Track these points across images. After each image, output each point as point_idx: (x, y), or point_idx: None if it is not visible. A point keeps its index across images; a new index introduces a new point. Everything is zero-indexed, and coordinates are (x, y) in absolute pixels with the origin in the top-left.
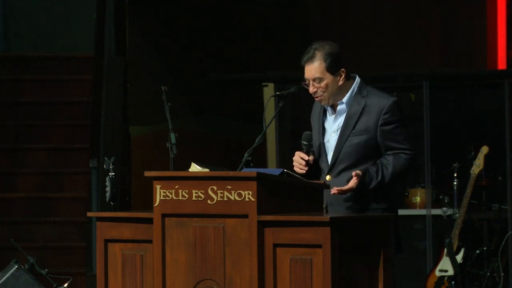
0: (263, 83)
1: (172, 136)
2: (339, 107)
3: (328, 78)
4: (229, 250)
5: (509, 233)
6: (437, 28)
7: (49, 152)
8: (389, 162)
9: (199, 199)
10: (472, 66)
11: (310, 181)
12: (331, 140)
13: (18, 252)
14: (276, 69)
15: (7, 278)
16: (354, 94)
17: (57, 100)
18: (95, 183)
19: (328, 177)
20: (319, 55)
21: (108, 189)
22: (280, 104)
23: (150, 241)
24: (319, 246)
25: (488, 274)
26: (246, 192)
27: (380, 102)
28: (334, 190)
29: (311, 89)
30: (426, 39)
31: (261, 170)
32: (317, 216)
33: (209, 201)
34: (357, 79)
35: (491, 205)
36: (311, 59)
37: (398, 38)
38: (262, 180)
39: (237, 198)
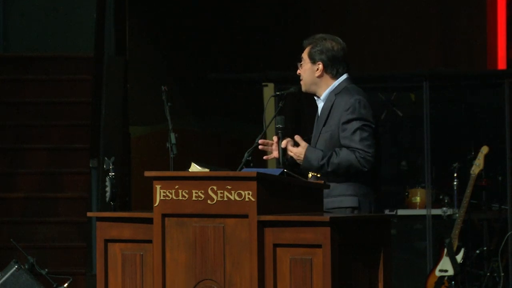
0: (263, 83)
1: (172, 136)
2: (319, 105)
3: (307, 64)
4: (229, 250)
5: (509, 233)
6: (437, 28)
7: (49, 152)
8: (338, 153)
9: (199, 199)
10: (472, 66)
11: (310, 181)
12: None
13: (18, 252)
14: (276, 69)
15: (7, 278)
16: (331, 92)
17: (57, 100)
18: (95, 183)
19: (310, 174)
20: (313, 41)
21: (108, 189)
22: (280, 104)
23: (150, 241)
24: (319, 246)
25: (488, 274)
26: (246, 192)
27: (345, 99)
28: (283, 144)
29: (298, 71)
30: (426, 39)
31: (261, 170)
32: (317, 216)
33: (209, 201)
34: (343, 77)
35: (491, 205)
36: (307, 41)
37: (398, 38)
38: (262, 180)
39: (237, 198)
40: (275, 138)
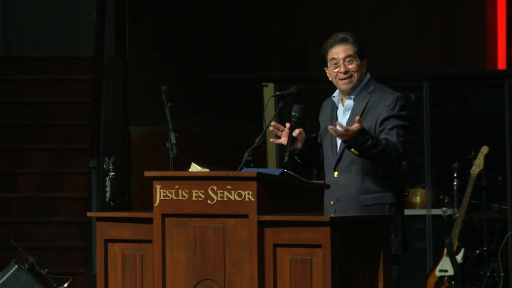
0: (263, 83)
1: (172, 136)
2: (347, 102)
3: (358, 61)
4: (229, 250)
5: (509, 233)
6: (437, 28)
7: (49, 152)
8: (384, 139)
9: (199, 199)
10: (472, 66)
11: (310, 181)
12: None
13: (18, 252)
14: (276, 69)
15: (7, 278)
16: (361, 89)
17: (57, 100)
18: (95, 183)
19: (336, 174)
20: (350, 39)
21: (108, 189)
22: (280, 104)
23: (150, 241)
24: (319, 246)
25: (488, 274)
26: (246, 192)
27: (384, 97)
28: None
29: (342, 69)
30: (426, 39)
31: (261, 170)
32: (317, 216)
33: (209, 201)
34: (368, 75)
35: (491, 205)
36: (342, 40)
37: (398, 38)
38: (262, 180)
39: (237, 198)
40: (287, 125)
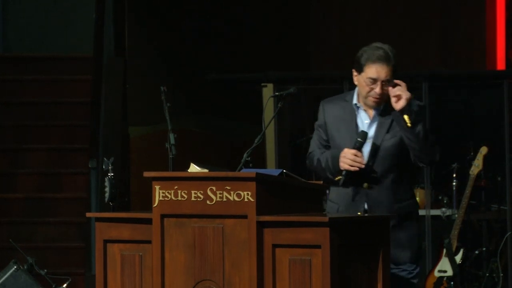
0: (263, 83)
1: (171, 137)
2: (374, 112)
3: (392, 83)
4: (228, 251)
5: (508, 233)
6: (437, 28)
7: (49, 152)
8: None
9: (198, 199)
10: (472, 66)
11: (310, 181)
12: (366, 147)
13: (17, 252)
14: (276, 69)
15: (7, 278)
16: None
17: (57, 100)
18: (94, 183)
19: (365, 185)
20: (392, 59)
21: (107, 189)
22: (279, 105)
23: (149, 242)
24: (318, 246)
25: (487, 274)
26: (245, 193)
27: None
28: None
29: (378, 90)
30: (426, 39)
31: (260, 170)
32: (317, 217)
33: (208, 202)
34: None
35: (490, 206)
36: (387, 59)
37: (398, 38)
38: (261, 181)
39: (236, 199)
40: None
